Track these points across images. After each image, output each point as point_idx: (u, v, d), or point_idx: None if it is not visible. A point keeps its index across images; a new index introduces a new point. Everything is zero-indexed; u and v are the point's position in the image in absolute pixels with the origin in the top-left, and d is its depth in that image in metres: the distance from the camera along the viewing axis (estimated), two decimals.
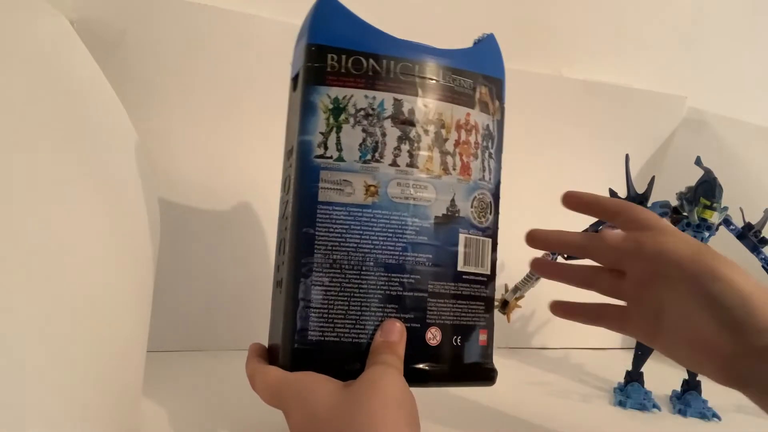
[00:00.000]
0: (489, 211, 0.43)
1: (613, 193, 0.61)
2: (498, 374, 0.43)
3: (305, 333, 0.38)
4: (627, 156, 0.61)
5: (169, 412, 0.47)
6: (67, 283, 0.31)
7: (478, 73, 0.43)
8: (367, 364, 0.37)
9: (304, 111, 0.39)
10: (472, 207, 0.42)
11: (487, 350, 0.42)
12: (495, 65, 0.45)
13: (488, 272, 0.43)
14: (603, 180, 0.64)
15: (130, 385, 0.38)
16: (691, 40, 0.98)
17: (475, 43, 0.46)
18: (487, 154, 0.43)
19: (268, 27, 0.68)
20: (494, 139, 0.44)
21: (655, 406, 0.59)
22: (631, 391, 0.60)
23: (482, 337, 0.42)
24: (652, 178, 0.60)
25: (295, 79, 0.42)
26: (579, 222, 0.62)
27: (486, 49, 0.45)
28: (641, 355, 0.61)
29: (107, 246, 0.38)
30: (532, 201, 0.72)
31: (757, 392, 0.38)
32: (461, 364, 0.41)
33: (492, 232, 0.43)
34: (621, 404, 0.59)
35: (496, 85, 0.44)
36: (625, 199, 0.60)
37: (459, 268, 0.41)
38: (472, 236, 0.42)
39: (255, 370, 0.39)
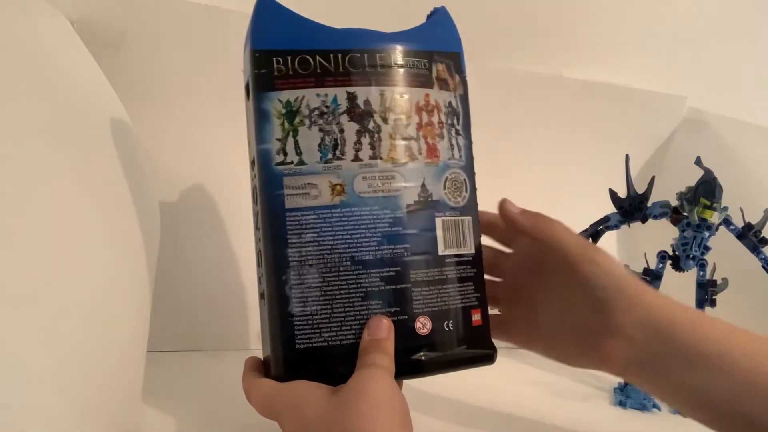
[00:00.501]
0: (464, 189, 0.42)
1: (613, 193, 0.61)
2: (497, 352, 0.42)
3: (292, 342, 0.38)
4: (627, 156, 0.61)
5: (169, 412, 0.47)
6: (67, 283, 0.31)
7: (431, 50, 0.42)
8: (356, 365, 0.37)
9: (258, 119, 0.39)
10: (445, 188, 0.41)
11: (483, 330, 0.42)
12: (450, 39, 0.44)
13: (473, 251, 0.42)
14: (603, 180, 0.64)
15: (130, 385, 0.38)
16: (691, 40, 0.98)
17: (428, 18, 0.44)
18: (453, 132, 0.42)
19: None
20: (459, 115, 0.43)
21: (655, 406, 0.59)
22: (631, 391, 0.60)
23: (475, 317, 0.41)
24: (652, 178, 0.60)
25: (247, 88, 0.41)
26: (577, 221, 0.62)
27: (438, 24, 0.44)
28: None
29: (107, 246, 0.38)
30: (532, 201, 0.72)
31: (618, 367, 0.41)
32: (455, 349, 0.40)
33: (471, 210, 0.43)
34: (621, 404, 0.59)
35: (453, 59, 0.43)
36: (625, 199, 0.60)
37: (440, 253, 0.40)
38: (449, 218, 0.41)
39: (250, 384, 0.39)
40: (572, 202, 0.81)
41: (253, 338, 0.67)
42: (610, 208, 0.61)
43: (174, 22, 0.65)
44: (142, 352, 0.42)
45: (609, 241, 0.80)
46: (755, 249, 0.60)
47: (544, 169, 0.83)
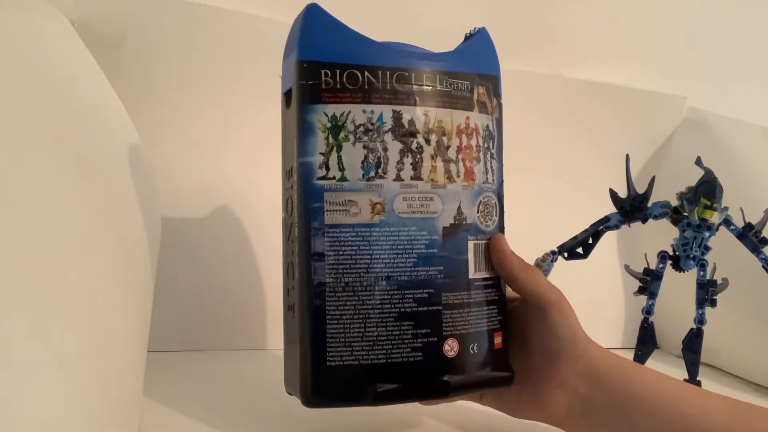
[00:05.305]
0: (495, 213, 0.43)
1: (613, 193, 0.61)
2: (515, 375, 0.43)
3: (323, 360, 0.37)
4: (627, 156, 0.61)
5: (169, 412, 0.47)
6: (67, 283, 0.31)
7: (474, 73, 0.42)
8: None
9: (301, 131, 0.38)
10: (478, 212, 0.42)
11: (503, 352, 0.43)
12: (490, 62, 0.44)
13: (497, 274, 0.43)
14: (603, 180, 0.64)
15: (131, 385, 0.38)
16: (691, 39, 0.98)
17: (466, 38, 0.45)
18: (489, 155, 0.43)
19: (268, 27, 0.68)
20: (495, 138, 0.44)
21: None
22: None
23: (497, 340, 0.42)
24: (653, 178, 0.60)
25: (287, 95, 0.40)
26: (577, 221, 0.62)
27: (479, 46, 0.44)
28: (641, 355, 0.61)
29: (108, 246, 0.38)
30: (532, 201, 0.72)
31: (559, 417, 0.42)
32: (478, 372, 0.41)
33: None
34: None
35: (492, 82, 0.43)
36: (626, 199, 0.60)
37: (470, 276, 0.41)
38: (480, 241, 0.42)
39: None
40: (572, 202, 0.81)
41: (253, 338, 0.67)
42: (610, 208, 0.61)
43: (174, 22, 0.65)
44: (142, 352, 0.42)
45: (609, 241, 0.80)
46: (755, 249, 0.60)
47: (544, 169, 0.83)
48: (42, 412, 0.25)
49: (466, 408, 0.52)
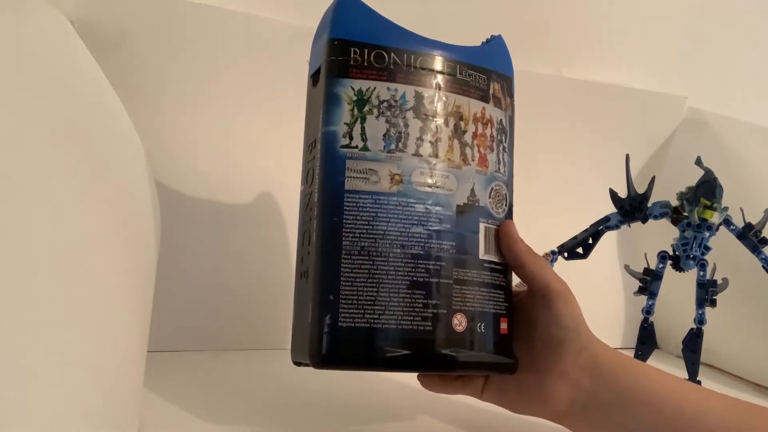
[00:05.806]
0: (505, 203, 0.45)
1: (613, 193, 0.61)
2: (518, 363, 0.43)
3: (335, 320, 0.38)
4: (627, 156, 0.61)
5: (169, 412, 0.47)
6: (67, 283, 0.31)
7: (490, 69, 0.45)
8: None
9: (328, 103, 0.41)
10: (490, 197, 0.43)
11: (508, 339, 0.43)
12: (505, 64, 0.47)
13: (506, 261, 0.44)
14: (603, 180, 0.64)
15: (131, 385, 0.38)
16: (691, 39, 0.98)
17: (483, 44, 0.47)
18: (501, 148, 0.45)
19: (268, 27, 0.68)
20: (507, 134, 0.46)
21: None
22: None
23: (503, 325, 0.43)
24: (653, 178, 0.60)
25: (315, 75, 0.43)
26: (577, 221, 0.62)
27: (496, 49, 0.47)
28: (641, 355, 0.61)
29: (107, 245, 0.38)
30: (532, 201, 0.72)
31: (560, 410, 0.42)
32: (484, 352, 0.42)
33: None
34: None
35: (507, 82, 0.47)
36: (626, 199, 0.60)
37: (480, 256, 0.42)
38: (491, 225, 0.43)
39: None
40: (572, 202, 0.81)
41: (253, 338, 0.67)
42: (610, 208, 0.61)
43: (174, 22, 0.65)
44: (142, 352, 0.42)
45: (609, 241, 0.80)
46: (755, 249, 0.60)
47: (544, 169, 0.82)
48: (42, 412, 0.25)
49: (466, 406, 0.52)
